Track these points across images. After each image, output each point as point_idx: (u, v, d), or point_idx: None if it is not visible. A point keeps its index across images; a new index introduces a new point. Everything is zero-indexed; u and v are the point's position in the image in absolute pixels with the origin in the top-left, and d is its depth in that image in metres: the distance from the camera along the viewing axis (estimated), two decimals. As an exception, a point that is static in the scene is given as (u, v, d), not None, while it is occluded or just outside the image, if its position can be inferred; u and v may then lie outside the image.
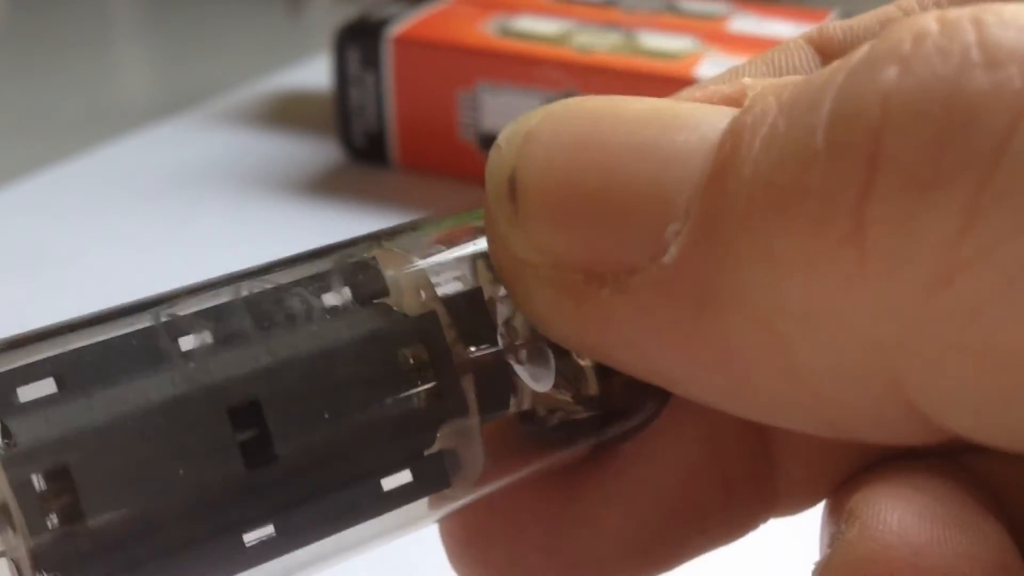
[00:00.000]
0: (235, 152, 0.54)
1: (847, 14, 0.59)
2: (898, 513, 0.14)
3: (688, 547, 0.17)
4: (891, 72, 0.11)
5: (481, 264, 0.15)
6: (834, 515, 0.15)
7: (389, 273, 0.15)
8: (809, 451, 0.17)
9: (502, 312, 0.15)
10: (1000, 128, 0.10)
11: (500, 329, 0.15)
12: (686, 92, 0.15)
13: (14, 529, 0.12)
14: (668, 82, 0.47)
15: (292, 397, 0.13)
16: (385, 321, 0.14)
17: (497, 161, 0.14)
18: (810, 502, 0.18)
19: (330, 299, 0.14)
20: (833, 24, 0.17)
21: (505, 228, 0.14)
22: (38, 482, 0.12)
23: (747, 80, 0.14)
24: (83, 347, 0.13)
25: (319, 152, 0.54)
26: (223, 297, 0.14)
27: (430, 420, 0.14)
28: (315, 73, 0.61)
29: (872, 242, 0.11)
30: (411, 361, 0.14)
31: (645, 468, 0.17)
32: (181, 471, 0.13)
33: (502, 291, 0.15)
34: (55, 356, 0.13)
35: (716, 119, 0.12)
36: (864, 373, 0.11)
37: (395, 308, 0.14)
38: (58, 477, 0.12)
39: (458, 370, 0.14)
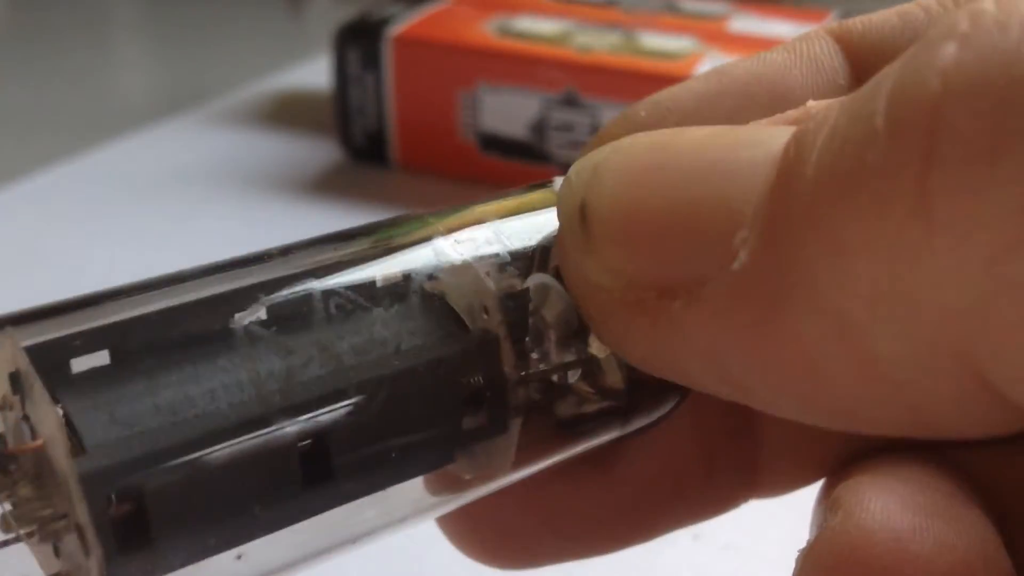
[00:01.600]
0: (235, 152, 0.54)
1: (847, 14, 0.59)
2: (881, 501, 0.14)
3: (669, 517, 0.18)
4: (949, 49, 0.11)
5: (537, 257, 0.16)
6: (821, 505, 0.15)
7: (447, 266, 0.15)
8: (793, 434, 0.17)
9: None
10: None
11: (531, 321, 0.15)
12: (753, 121, 0.15)
13: (85, 548, 0.12)
14: (668, 82, 0.47)
15: (357, 430, 0.14)
16: (449, 344, 0.15)
17: (568, 192, 0.14)
18: (791, 486, 0.18)
19: (394, 287, 0.15)
20: (853, 19, 0.17)
21: (578, 255, 0.14)
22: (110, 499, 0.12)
23: (811, 102, 0.14)
24: (139, 316, 0.13)
25: (319, 152, 0.54)
26: (289, 282, 0.14)
27: (473, 437, 0.15)
28: (315, 73, 0.61)
29: (937, 214, 0.11)
30: (469, 382, 0.15)
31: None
32: (246, 491, 0.13)
33: (529, 282, 0.15)
34: (114, 324, 0.13)
35: (779, 134, 0.13)
36: (936, 350, 0.11)
37: (453, 304, 0.15)
38: (129, 493, 0.12)
39: (510, 398, 0.15)
